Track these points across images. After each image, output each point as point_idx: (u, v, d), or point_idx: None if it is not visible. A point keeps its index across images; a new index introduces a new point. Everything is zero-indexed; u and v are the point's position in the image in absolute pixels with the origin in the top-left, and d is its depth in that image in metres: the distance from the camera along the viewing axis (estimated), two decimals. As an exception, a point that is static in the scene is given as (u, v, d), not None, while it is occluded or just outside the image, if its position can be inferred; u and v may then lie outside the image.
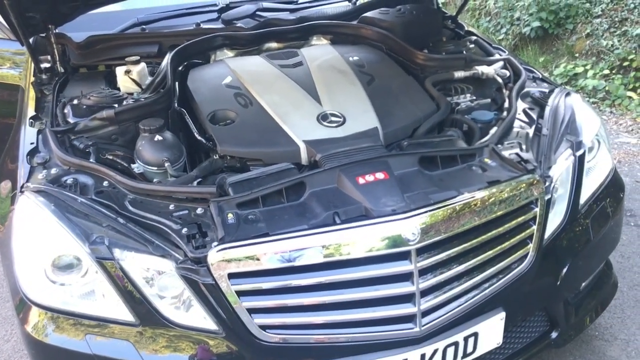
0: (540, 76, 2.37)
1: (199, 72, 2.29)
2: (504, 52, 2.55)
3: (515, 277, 1.73)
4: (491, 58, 2.42)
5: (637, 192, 3.44)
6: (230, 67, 2.27)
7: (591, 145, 2.04)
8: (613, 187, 2.08)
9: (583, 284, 2.04)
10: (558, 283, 1.89)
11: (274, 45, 2.54)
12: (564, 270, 1.89)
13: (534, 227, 1.73)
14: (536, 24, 5.55)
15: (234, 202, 1.60)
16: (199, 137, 1.93)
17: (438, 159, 1.79)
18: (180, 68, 2.31)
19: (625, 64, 4.75)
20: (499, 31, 6.27)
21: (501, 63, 2.39)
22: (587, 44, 5.23)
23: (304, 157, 1.85)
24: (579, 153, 1.93)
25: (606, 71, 4.88)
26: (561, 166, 1.87)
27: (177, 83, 2.20)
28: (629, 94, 4.66)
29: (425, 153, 1.78)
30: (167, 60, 2.21)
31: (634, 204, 3.31)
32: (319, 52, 2.44)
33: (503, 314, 1.71)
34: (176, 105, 2.07)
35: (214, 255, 1.45)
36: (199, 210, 1.62)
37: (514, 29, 6.02)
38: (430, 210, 1.55)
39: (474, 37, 2.62)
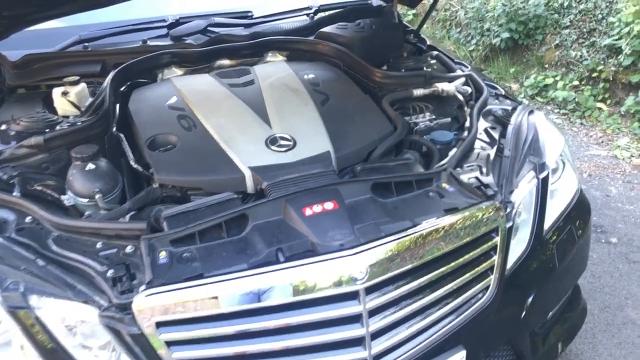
0: (503, 93, 2.27)
1: (142, 93, 2.14)
2: (467, 67, 2.46)
3: (476, 311, 1.62)
4: (452, 74, 2.32)
5: (607, 207, 3.37)
6: (176, 87, 2.13)
7: (555, 166, 1.95)
8: (579, 209, 1.98)
9: (550, 313, 1.94)
10: (523, 314, 1.78)
11: (226, 62, 2.41)
12: (529, 300, 1.79)
13: (495, 258, 1.62)
14: (506, 35, 5.51)
15: (168, 238, 1.45)
16: (135, 165, 1.78)
17: (392, 185, 1.68)
18: (122, 88, 2.17)
19: (594, 74, 4.72)
20: (469, 42, 6.23)
21: (463, 79, 2.29)
22: (556, 54, 5.19)
23: (249, 185, 1.72)
24: (542, 175, 1.83)
25: (576, 82, 4.84)
26: (524, 190, 1.77)
27: (117, 105, 2.06)
28: (599, 105, 4.62)
29: (378, 179, 1.66)
30: (107, 80, 2.07)
31: (604, 220, 3.23)
32: (272, 69, 2.31)
33: (463, 353, 1.59)
34: (114, 129, 1.93)
35: (140, 301, 1.30)
36: (129, 249, 1.47)
37: (484, 39, 5.97)
38: (380, 245, 1.42)
39: (435, 52, 2.53)
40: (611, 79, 4.61)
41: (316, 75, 2.26)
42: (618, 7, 4.68)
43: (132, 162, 1.79)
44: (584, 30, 5.01)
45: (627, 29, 4.30)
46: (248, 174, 1.71)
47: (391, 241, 1.44)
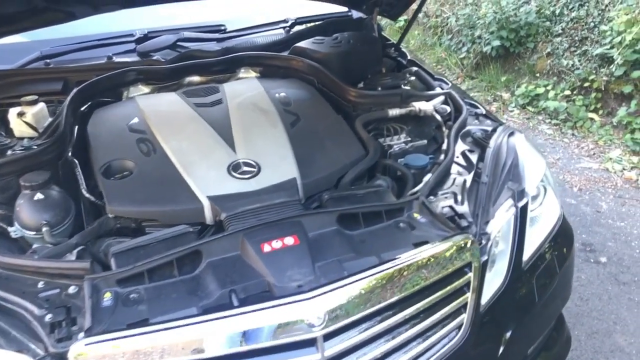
0: (484, 112, 2.17)
1: (103, 113, 2.04)
2: (447, 84, 2.35)
3: (449, 352, 1.51)
4: (430, 92, 2.22)
5: (597, 223, 3.27)
6: (140, 107, 2.03)
7: (536, 192, 1.85)
8: (561, 238, 1.88)
9: (531, 348, 1.83)
10: (501, 351, 1.68)
11: (195, 79, 2.31)
12: (507, 335, 1.69)
13: (468, 295, 1.52)
14: (497, 42, 5.42)
15: (114, 278, 1.35)
16: (87, 194, 1.68)
17: (360, 215, 1.58)
18: (83, 108, 2.07)
19: (586, 84, 4.62)
20: (460, 49, 6.14)
21: (442, 98, 2.19)
22: (548, 63, 5.10)
23: (208, 216, 1.62)
24: (521, 204, 1.73)
25: (567, 92, 4.75)
26: (501, 220, 1.67)
27: (76, 127, 1.96)
28: (591, 115, 4.53)
29: (344, 210, 1.56)
30: (66, 100, 1.97)
31: (594, 237, 3.13)
32: (242, 87, 2.21)
33: (435, 399, 1.49)
34: (70, 154, 1.82)
35: (78, 350, 1.20)
36: (72, 289, 1.36)
37: (475, 47, 5.88)
38: (342, 286, 1.32)
39: (414, 68, 2.43)
40: (603, 88, 4.52)
41: (288, 94, 2.16)
42: (610, 15, 4.59)
43: (83, 191, 1.69)
44: (576, 38, 4.92)
45: (619, 38, 4.21)
46: (207, 204, 1.61)
47: (354, 281, 1.34)
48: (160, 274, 1.39)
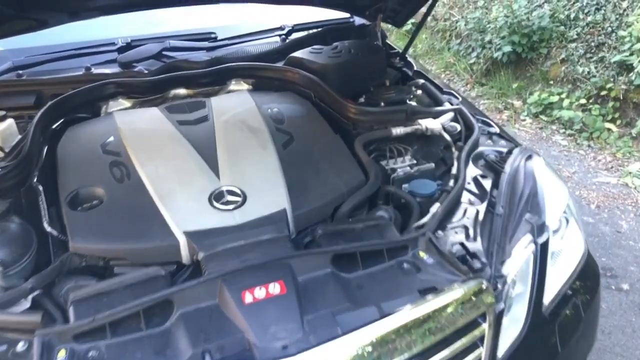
0: (498, 131, 1.97)
1: (77, 131, 1.85)
2: (457, 98, 2.15)
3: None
4: (438, 109, 2.01)
5: (618, 245, 3.05)
6: (117, 124, 1.83)
7: (557, 226, 1.64)
8: (586, 277, 1.67)
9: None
10: (517, 408, 1.47)
11: (182, 92, 2.11)
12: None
13: (482, 351, 1.32)
14: (508, 48, 5.18)
15: (70, 332, 1.16)
16: (49, 228, 1.48)
17: (358, 255, 1.38)
18: (55, 126, 1.88)
19: (603, 93, 4.39)
20: (469, 54, 5.91)
21: (451, 115, 1.99)
22: (562, 70, 4.87)
23: (184, 254, 1.42)
24: (541, 240, 1.52)
25: (583, 100, 4.51)
26: (519, 259, 1.46)
27: (46, 147, 1.77)
28: (608, 125, 4.29)
29: (340, 250, 1.37)
30: (36, 116, 1.78)
31: (614, 261, 2.91)
32: (231, 102, 2.01)
33: None
34: (35, 179, 1.63)
35: None
36: (21, 346, 1.17)
37: (485, 52, 5.65)
38: (334, 347, 1.13)
39: (421, 81, 2.22)
40: (621, 98, 4.29)
41: (281, 110, 1.97)
42: (629, 20, 4.36)
43: (45, 224, 1.49)
44: (592, 44, 4.69)
45: (639, 45, 3.98)
46: (183, 241, 1.41)
47: (348, 341, 1.15)
48: (125, 327, 1.20)
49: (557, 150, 4.26)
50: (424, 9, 2.26)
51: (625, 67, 4.27)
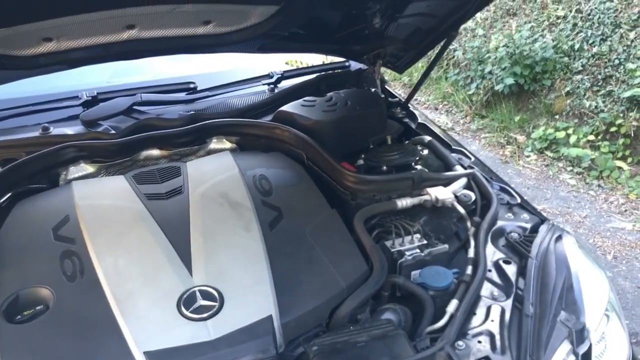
0: (519, 200, 1.70)
1: (26, 209, 1.57)
2: (469, 157, 1.90)
3: None
4: (449, 174, 1.75)
5: (641, 304, 2.78)
6: (74, 199, 1.56)
7: (597, 327, 1.37)
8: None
9: None
10: None
11: (155, 153, 1.85)
12: None
13: None
14: (510, 80, 4.95)
15: None
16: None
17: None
18: (2, 201, 1.60)
19: (613, 129, 4.15)
20: (469, 85, 5.69)
21: (464, 181, 1.73)
22: (567, 103, 4.64)
23: (144, 383, 1.14)
24: (582, 349, 1.26)
25: (591, 137, 4.27)
26: (556, 377, 1.20)
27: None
28: (619, 163, 4.05)
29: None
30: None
31: (638, 323, 2.64)
32: (211, 167, 1.74)
33: None
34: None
35: None
36: None
37: (485, 83, 5.43)
38: None
39: (427, 138, 1.96)
40: (632, 134, 4.05)
41: (269, 176, 1.70)
42: (637, 52, 4.14)
43: None
44: (599, 76, 4.46)
45: (650, 80, 3.77)
46: (142, 365, 1.14)
47: None
48: None
49: (565, 190, 4.00)
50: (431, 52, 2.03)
51: (635, 102, 4.05)
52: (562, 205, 3.78)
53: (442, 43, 1.95)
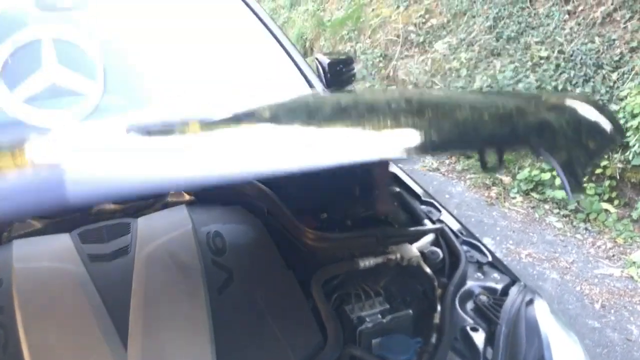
0: (489, 258, 1.60)
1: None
2: (439, 210, 1.80)
3: None
4: (416, 228, 1.66)
5: (630, 357, 2.65)
6: (12, 261, 1.45)
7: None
8: None
9: None
10: None
11: (108, 207, 1.75)
12: None
13: None
14: (494, 120, 4.90)
15: None
16: None
17: None
18: None
19: (598, 171, 4.09)
20: (454, 125, 5.63)
21: (431, 237, 1.63)
22: (552, 144, 4.58)
23: None
24: None
25: (576, 178, 4.20)
26: None
27: None
28: (605, 206, 3.97)
29: None
30: None
31: (628, 380, 2.51)
32: (163, 223, 1.64)
33: None
34: None
35: None
36: None
37: (470, 122, 5.37)
38: None
39: (396, 189, 1.87)
40: (618, 177, 3.98)
41: (224, 233, 1.60)
42: (621, 94, 4.12)
43: None
44: (582, 117, 4.42)
45: (634, 122, 3.71)
46: None
47: None
48: None
49: (552, 234, 3.91)
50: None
51: (620, 144, 3.99)
52: (548, 250, 3.68)
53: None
